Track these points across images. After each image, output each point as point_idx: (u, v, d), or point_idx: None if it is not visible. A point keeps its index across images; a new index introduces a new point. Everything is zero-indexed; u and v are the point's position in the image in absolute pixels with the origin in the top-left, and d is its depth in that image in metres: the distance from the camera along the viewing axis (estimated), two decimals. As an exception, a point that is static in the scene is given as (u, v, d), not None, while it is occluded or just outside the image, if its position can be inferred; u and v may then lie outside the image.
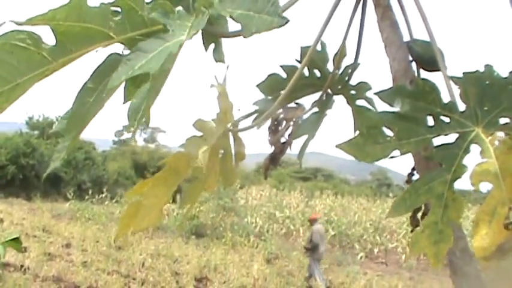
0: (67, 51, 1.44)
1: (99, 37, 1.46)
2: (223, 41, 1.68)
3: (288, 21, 1.31)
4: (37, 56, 1.41)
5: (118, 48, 1.53)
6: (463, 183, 1.34)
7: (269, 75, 1.90)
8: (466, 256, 1.40)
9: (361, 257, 20.26)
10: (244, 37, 1.36)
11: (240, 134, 1.73)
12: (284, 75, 1.89)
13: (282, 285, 13.02)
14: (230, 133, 1.65)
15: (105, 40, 1.47)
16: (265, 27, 1.32)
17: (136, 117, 1.30)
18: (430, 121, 1.37)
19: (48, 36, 1.41)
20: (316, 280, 13.51)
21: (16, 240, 2.78)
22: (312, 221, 14.60)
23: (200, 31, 1.63)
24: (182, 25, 1.35)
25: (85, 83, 1.51)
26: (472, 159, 1.31)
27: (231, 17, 1.37)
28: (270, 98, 1.89)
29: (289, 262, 16.53)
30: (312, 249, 13.79)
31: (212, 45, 1.67)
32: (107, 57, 1.52)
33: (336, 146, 1.37)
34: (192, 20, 1.37)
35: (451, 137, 1.36)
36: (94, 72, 1.52)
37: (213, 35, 1.65)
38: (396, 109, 1.37)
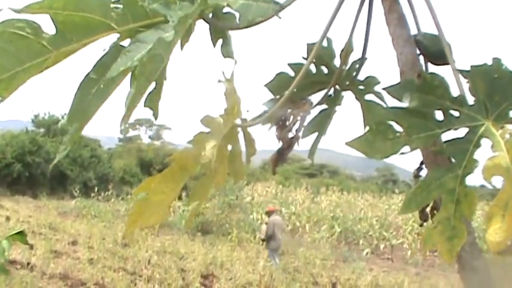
0: (67, 41, 1.43)
1: (101, 28, 1.45)
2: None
3: (283, 8, 1.30)
4: (37, 45, 1.40)
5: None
6: (470, 179, 1.33)
7: (277, 74, 1.89)
8: (475, 251, 1.39)
9: (367, 253, 20.25)
10: (241, 27, 1.36)
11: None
12: (292, 73, 1.88)
13: (288, 281, 13.02)
14: (239, 129, 1.64)
15: (107, 31, 1.46)
16: (261, 15, 1.32)
17: (130, 107, 1.29)
18: (439, 115, 1.36)
19: (49, 26, 1.41)
20: (275, 266, 14.17)
21: (21, 233, 2.77)
22: (269, 213, 15.33)
23: (208, 27, 1.63)
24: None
25: (88, 74, 1.50)
26: (484, 153, 1.30)
27: (228, 5, 1.36)
28: (278, 97, 1.88)
29: (295, 258, 16.53)
30: (267, 240, 14.62)
31: (220, 41, 1.66)
32: (110, 48, 1.51)
33: (346, 144, 1.36)
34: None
35: (461, 132, 1.35)
36: (97, 62, 1.51)
37: (220, 30, 1.64)
38: (405, 104, 1.36)
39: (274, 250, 14.72)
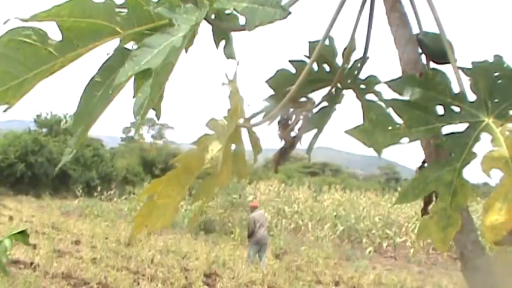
0: (73, 47, 1.44)
1: (106, 32, 1.45)
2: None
3: (290, 13, 1.30)
4: (43, 52, 1.41)
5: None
6: (472, 177, 1.34)
7: (278, 71, 1.89)
8: (477, 249, 1.40)
9: (369, 252, 20.26)
10: (248, 30, 1.36)
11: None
12: (293, 70, 1.88)
13: (291, 280, 13.02)
14: (244, 128, 1.64)
15: (112, 35, 1.47)
16: (268, 20, 1.32)
17: (141, 112, 1.30)
18: (440, 110, 1.37)
19: (55, 32, 1.42)
20: (247, 260, 14.43)
21: (23, 233, 2.78)
22: (252, 209, 15.66)
23: (211, 28, 1.64)
24: (188, 19, 1.35)
25: (92, 77, 1.51)
26: (482, 149, 1.31)
27: (235, 10, 1.36)
28: (279, 93, 1.89)
29: (298, 257, 16.54)
30: (250, 235, 14.81)
31: (223, 42, 1.67)
32: (115, 51, 1.52)
33: (345, 132, 1.36)
34: (198, 14, 1.36)
35: (461, 127, 1.35)
36: (102, 66, 1.52)
37: (223, 31, 1.65)
38: (406, 98, 1.36)
39: (255, 245, 14.74)
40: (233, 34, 1.68)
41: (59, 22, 1.40)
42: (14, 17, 1.34)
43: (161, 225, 1.60)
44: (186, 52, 1.51)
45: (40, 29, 1.40)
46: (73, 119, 1.55)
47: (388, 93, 1.41)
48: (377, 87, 1.92)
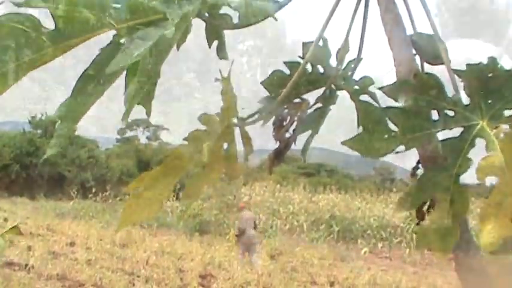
0: (66, 36, 1.42)
1: (99, 24, 1.44)
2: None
3: (282, 6, 1.31)
4: (35, 39, 1.39)
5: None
6: (467, 177, 1.34)
7: (273, 72, 1.90)
8: (471, 249, 1.40)
9: (365, 252, 20.27)
10: (242, 27, 1.36)
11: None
12: (288, 71, 1.89)
13: (286, 281, 13.01)
14: (236, 127, 1.64)
15: (105, 28, 1.45)
16: (260, 15, 1.32)
17: (131, 101, 1.29)
18: (435, 115, 1.37)
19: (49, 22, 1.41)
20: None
21: (14, 228, 2.77)
22: (241, 209, 15.95)
23: (204, 28, 1.63)
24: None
25: (85, 70, 1.50)
26: (478, 153, 1.31)
27: (229, 5, 1.37)
28: (274, 95, 1.89)
29: (293, 258, 16.54)
30: (240, 234, 14.85)
31: (215, 42, 1.67)
32: (108, 45, 1.51)
33: (342, 143, 1.37)
34: (192, 8, 1.36)
35: (456, 131, 1.35)
36: (95, 59, 1.51)
37: (216, 31, 1.64)
38: (400, 104, 1.37)
39: (243, 245, 14.77)
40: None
41: (53, 10, 1.38)
42: (8, 0, 1.33)
43: (147, 216, 1.58)
44: (178, 49, 1.51)
45: (33, 16, 1.38)
46: (64, 111, 1.52)
47: (383, 95, 1.42)
48: (371, 88, 1.93)
